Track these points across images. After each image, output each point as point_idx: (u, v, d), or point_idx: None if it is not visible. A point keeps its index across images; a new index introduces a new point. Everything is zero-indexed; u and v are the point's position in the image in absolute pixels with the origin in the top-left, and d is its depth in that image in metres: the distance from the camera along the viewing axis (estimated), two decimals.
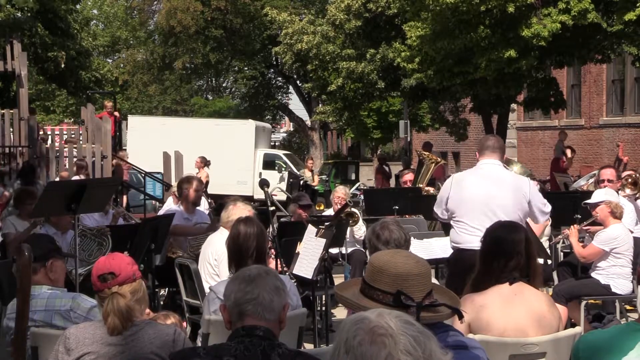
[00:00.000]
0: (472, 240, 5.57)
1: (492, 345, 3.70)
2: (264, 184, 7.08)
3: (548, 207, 6.00)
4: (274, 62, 38.67)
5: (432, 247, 7.25)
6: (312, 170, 21.90)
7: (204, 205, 10.60)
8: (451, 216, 5.91)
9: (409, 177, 11.29)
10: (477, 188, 5.80)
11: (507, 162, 12.36)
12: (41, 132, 19.88)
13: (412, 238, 5.55)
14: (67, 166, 17.15)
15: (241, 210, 5.84)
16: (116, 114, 22.12)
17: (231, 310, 2.91)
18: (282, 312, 2.94)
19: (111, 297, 3.40)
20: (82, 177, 14.14)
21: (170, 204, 9.61)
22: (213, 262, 5.84)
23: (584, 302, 7.10)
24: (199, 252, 7.50)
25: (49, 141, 20.59)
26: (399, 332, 1.72)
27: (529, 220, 6.88)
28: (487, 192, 5.76)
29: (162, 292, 8.22)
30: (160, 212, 8.45)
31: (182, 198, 8.16)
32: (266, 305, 2.88)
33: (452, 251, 6.10)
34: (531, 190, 5.91)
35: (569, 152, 17.85)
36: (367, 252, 5.24)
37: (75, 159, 16.87)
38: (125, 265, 3.48)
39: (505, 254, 3.83)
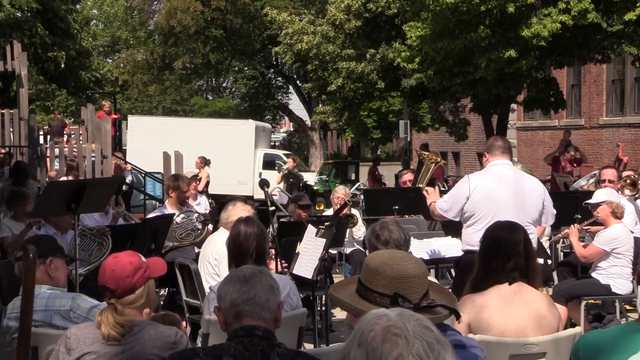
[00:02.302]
0: None
1: (492, 345, 3.70)
2: (264, 184, 7.08)
3: (554, 210, 6.05)
4: (274, 62, 38.68)
5: (432, 247, 7.24)
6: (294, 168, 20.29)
7: (204, 205, 10.60)
8: (468, 217, 5.84)
9: (408, 177, 11.28)
10: (501, 189, 5.77)
11: None
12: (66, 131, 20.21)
13: (412, 238, 5.55)
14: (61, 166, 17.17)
15: (241, 211, 5.84)
16: (115, 116, 22.20)
17: (227, 311, 2.90)
18: (278, 311, 2.95)
19: (105, 310, 3.39)
20: (71, 177, 14.12)
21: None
22: (213, 262, 5.85)
23: (584, 302, 7.10)
24: (185, 242, 7.49)
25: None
26: (415, 335, 1.71)
27: None
28: (511, 193, 5.75)
29: (162, 292, 8.22)
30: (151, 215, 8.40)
31: (169, 198, 8.12)
32: (263, 305, 2.89)
33: (461, 253, 6.04)
34: (544, 190, 5.99)
35: (571, 152, 17.82)
36: (367, 252, 5.24)
37: (66, 159, 16.92)
38: (125, 278, 3.40)
39: (504, 254, 3.82)
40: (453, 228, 6.91)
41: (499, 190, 5.78)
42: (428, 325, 1.73)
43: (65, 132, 20.85)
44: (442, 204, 6.02)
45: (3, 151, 17.74)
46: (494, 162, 5.93)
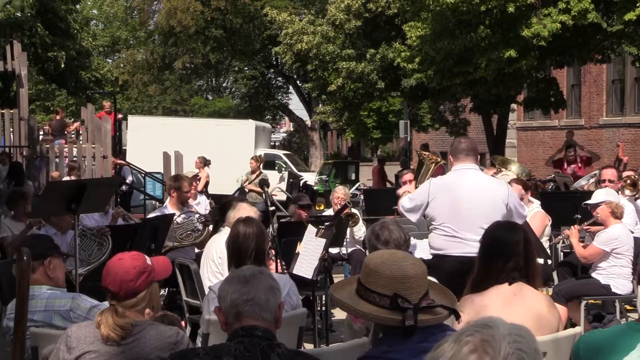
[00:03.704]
0: (454, 246, 5.57)
1: None
2: (264, 184, 7.08)
3: (524, 210, 6.00)
4: (274, 62, 38.68)
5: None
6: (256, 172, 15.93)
7: (204, 205, 10.60)
8: (430, 222, 5.81)
9: (408, 177, 11.25)
10: (461, 194, 5.69)
11: (506, 162, 12.38)
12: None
13: (411, 238, 5.55)
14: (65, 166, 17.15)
15: (247, 211, 5.82)
16: (119, 116, 22.18)
17: (228, 311, 2.91)
18: (278, 311, 2.95)
19: (105, 311, 3.38)
20: (74, 177, 14.13)
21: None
22: (217, 260, 5.84)
23: (584, 302, 7.11)
24: (186, 242, 7.49)
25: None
26: None
27: (528, 220, 6.89)
28: (471, 197, 5.66)
29: (162, 292, 8.22)
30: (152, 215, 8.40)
31: (170, 197, 8.11)
32: (263, 305, 2.89)
33: (430, 255, 6.01)
34: (509, 193, 5.86)
35: (571, 152, 17.81)
36: (367, 252, 5.24)
37: (66, 160, 16.92)
38: (127, 282, 3.39)
39: (504, 254, 3.81)
40: None
41: (458, 195, 5.69)
42: (525, 358, 1.69)
43: (66, 132, 20.82)
44: (406, 203, 5.96)
45: None
46: (456, 167, 5.84)
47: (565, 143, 18.84)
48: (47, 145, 17.76)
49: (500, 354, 1.67)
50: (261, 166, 15.89)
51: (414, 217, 6.00)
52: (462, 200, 5.67)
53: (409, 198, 6.01)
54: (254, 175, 15.65)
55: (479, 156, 6.09)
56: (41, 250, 4.27)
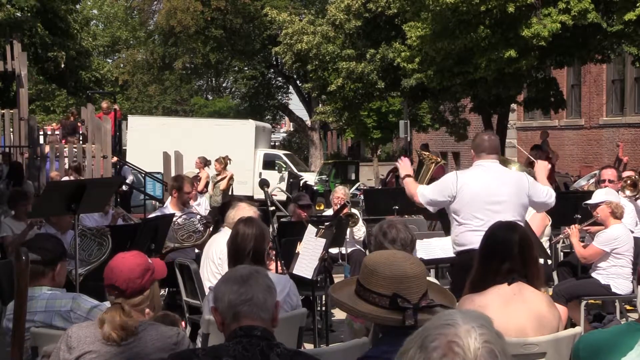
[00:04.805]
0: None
1: None
2: (264, 184, 7.07)
3: (551, 196, 5.93)
4: (274, 62, 38.69)
5: (432, 247, 7.24)
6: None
7: (204, 205, 10.61)
8: (456, 217, 5.80)
9: None
10: (486, 188, 5.71)
11: (506, 162, 12.37)
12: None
13: None
14: (66, 166, 17.15)
15: (247, 211, 5.81)
16: (116, 106, 22.15)
17: (225, 312, 2.90)
18: (275, 311, 2.95)
19: (110, 309, 3.38)
20: (72, 178, 14.13)
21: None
22: (217, 261, 5.83)
23: (584, 302, 7.11)
24: (187, 244, 7.50)
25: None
26: (475, 358, 1.65)
27: (528, 220, 6.88)
28: (496, 191, 5.69)
29: (162, 292, 8.22)
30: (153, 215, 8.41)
31: (172, 198, 8.13)
32: (261, 305, 2.89)
33: (454, 254, 5.98)
34: (530, 183, 5.88)
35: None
36: (368, 251, 5.23)
37: (66, 160, 16.93)
38: (134, 280, 3.39)
39: (501, 255, 3.80)
40: None
41: (485, 189, 5.70)
42: (495, 350, 1.65)
43: (76, 134, 20.85)
44: (426, 194, 5.90)
45: None
46: (479, 162, 5.85)
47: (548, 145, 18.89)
48: (57, 145, 17.74)
49: (470, 350, 1.65)
50: (227, 167, 15.88)
51: (433, 208, 5.95)
52: (489, 194, 5.69)
53: (431, 189, 5.97)
54: (220, 177, 15.63)
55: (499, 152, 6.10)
56: (55, 256, 4.26)
